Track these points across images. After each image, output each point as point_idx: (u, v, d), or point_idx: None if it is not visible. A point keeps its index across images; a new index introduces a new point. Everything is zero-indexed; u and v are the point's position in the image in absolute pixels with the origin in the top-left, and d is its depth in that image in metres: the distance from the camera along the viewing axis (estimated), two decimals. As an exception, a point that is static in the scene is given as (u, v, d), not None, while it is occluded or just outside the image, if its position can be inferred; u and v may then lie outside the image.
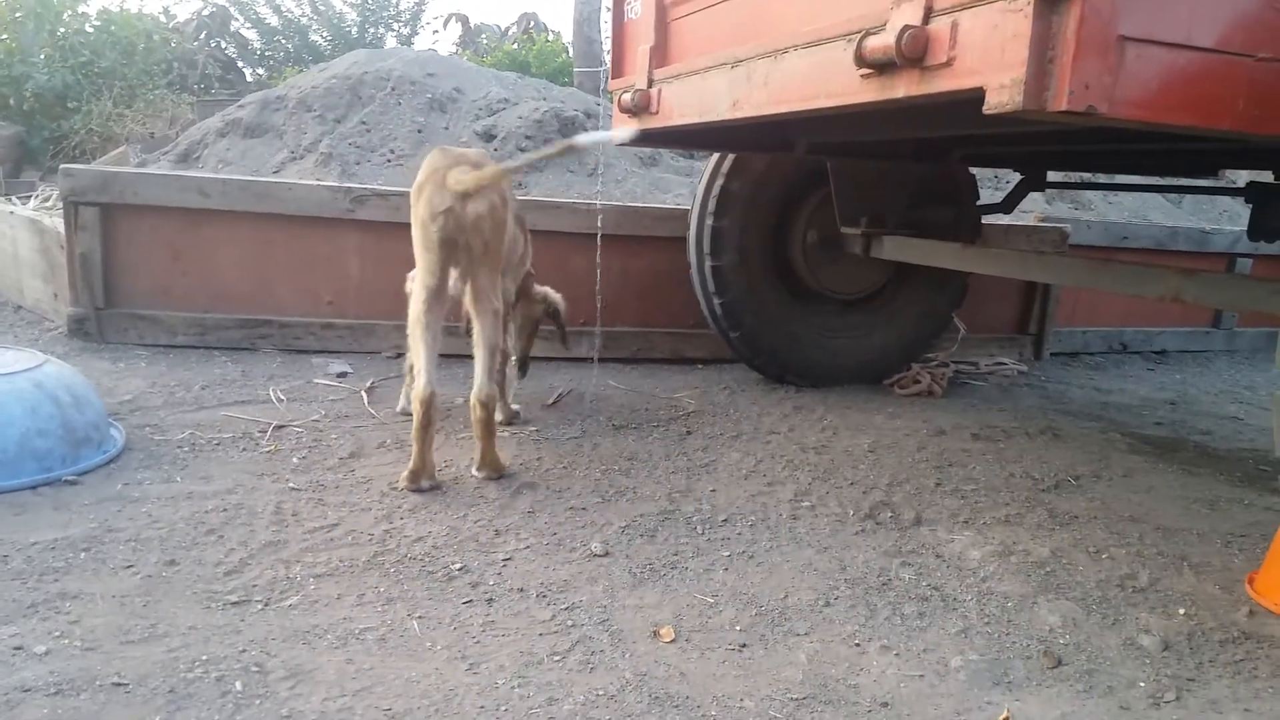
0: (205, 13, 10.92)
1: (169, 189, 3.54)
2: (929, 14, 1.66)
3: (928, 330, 4.02)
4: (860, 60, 1.76)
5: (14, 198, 5.64)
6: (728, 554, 2.15)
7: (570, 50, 10.06)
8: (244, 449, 2.68)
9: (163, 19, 10.06)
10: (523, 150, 5.31)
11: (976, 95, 1.56)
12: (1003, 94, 1.52)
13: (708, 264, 3.67)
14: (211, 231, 3.65)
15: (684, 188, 5.43)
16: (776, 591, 1.97)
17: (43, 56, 8.30)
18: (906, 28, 1.65)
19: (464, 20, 12.03)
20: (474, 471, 2.60)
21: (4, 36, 8.39)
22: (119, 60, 8.38)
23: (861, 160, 3.46)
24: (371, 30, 11.14)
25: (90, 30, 8.76)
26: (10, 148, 7.92)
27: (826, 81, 1.96)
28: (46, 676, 1.49)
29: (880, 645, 1.77)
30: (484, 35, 12.17)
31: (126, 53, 8.47)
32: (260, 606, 1.78)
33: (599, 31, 9.16)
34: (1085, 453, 3.08)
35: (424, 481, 2.47)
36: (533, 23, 11.61)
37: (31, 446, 2.25)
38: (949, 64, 1.63)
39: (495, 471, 2.59)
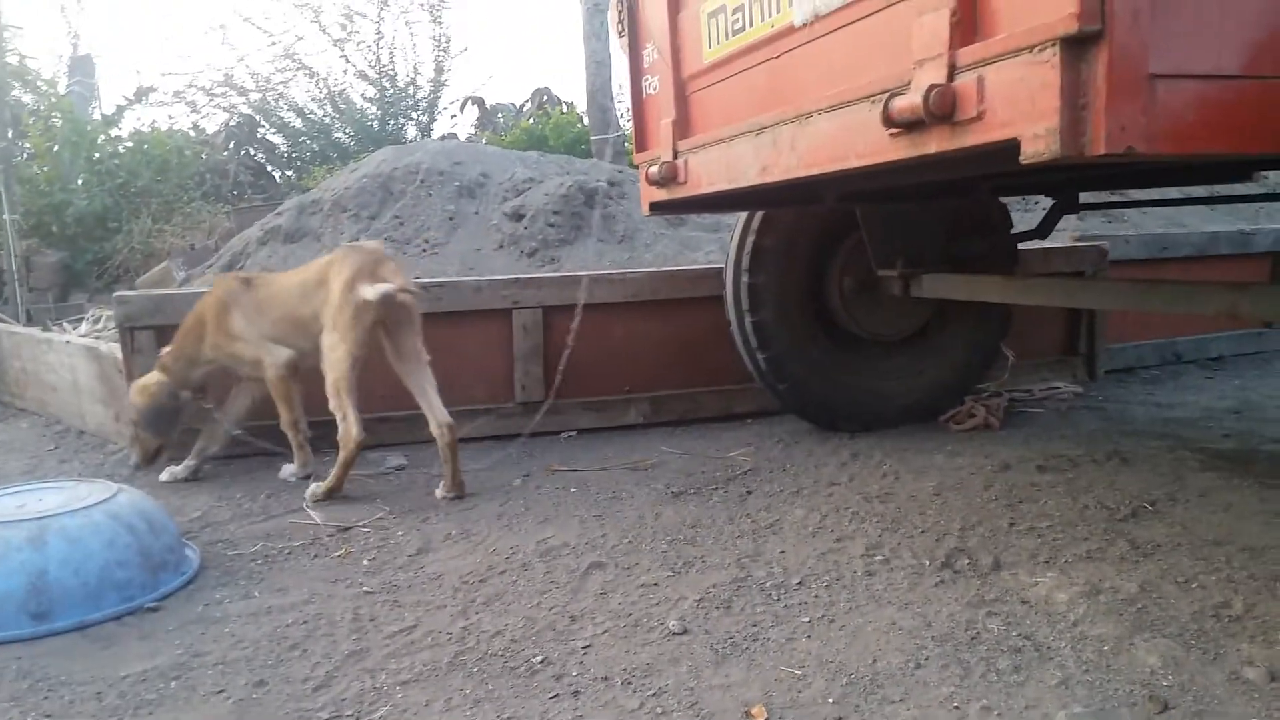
0: (232, 123, 11.33)
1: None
2: (953, 71, 1.68)
3: (977, 362, 3.98)
4: (888, 121, 1.79)
5: (64, 323, 5.84)
6: (807, 620, 2.13)
7: (585, 120, 10.26)
8: (315, 555, 2.72)
9: (192, 134, 10.49)
10: (551, 226, 5.41)
11: (1011, 146, 1.58)
12: (1038, 143, 1.53)
13: (748, 320, 3.69)
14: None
15: (713, 244, 5.47)
16: (864, 656, 1.94)
17: (80, 182, 8.63)
18: (933, 86, 1.68)
19: (480, 102, 12.33)
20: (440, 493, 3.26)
21: (45, 168, 8.75)
22: (154, 178, 8.69)
23: (891, 203, 3.48)
24: (391, 122, 11.48)
25: (124, 151, 9.12)
26: (56, 273, 8.21)
27: (855, 142, 1.99)
28: (154, 815, 1.50)
29: (981, 706, 1.72)
30: (500, 114, 12.46)
31: (161, 170, 8.79)
32: (351, 721, 1.79)
33: (611, 100, 9.34)
34: (1157, 475, 3.01)
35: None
36: (546, 97, 11.88)
37: (112, 578, 2.30)
38: (979, 118, 1.64)
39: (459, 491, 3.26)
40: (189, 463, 3.50)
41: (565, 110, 11.37)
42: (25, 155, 8.96)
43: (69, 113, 9.18)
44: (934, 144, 1.75)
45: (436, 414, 3.29)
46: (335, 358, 3.18)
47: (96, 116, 9.77)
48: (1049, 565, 2.35)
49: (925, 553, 2.46)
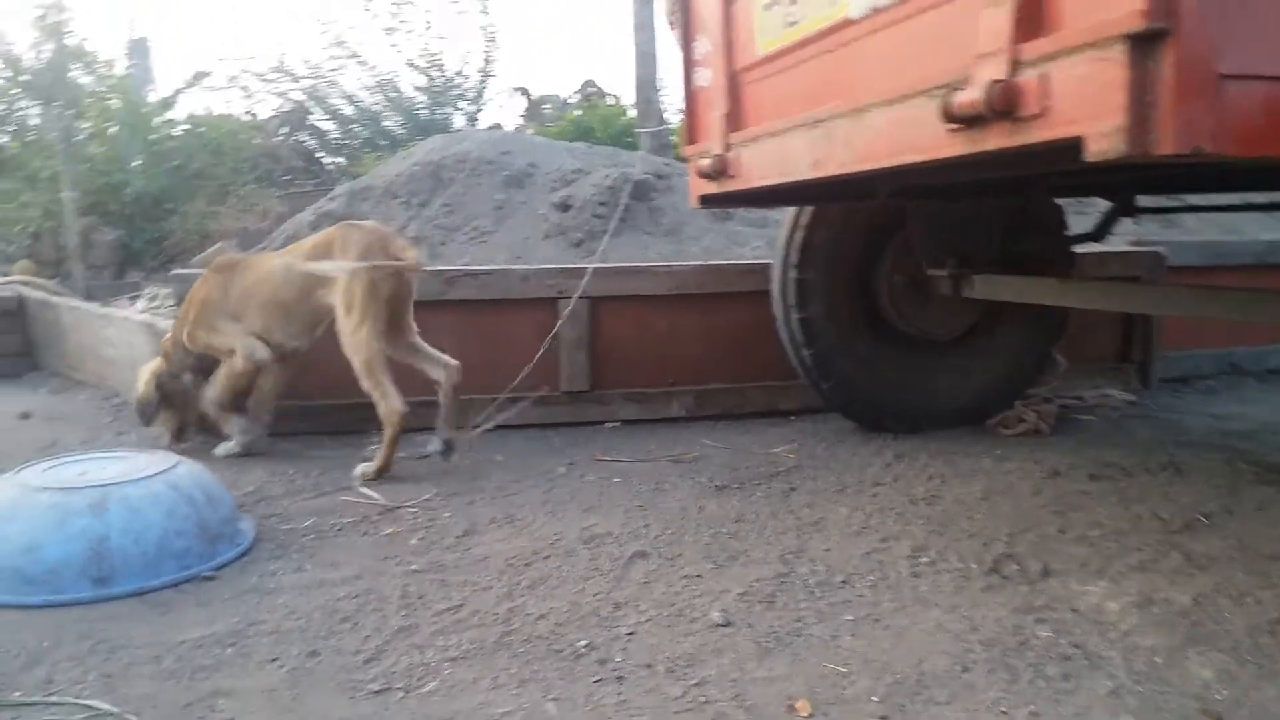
0: (285, 109, 11.54)
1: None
2: (1016, 67, 1.66)
3: (1029, 366, 3.93)
4: (947, 116, 1.77)
5: (123, 299, 6.00)
6: (852, 618, 2.12)
7: (631, 112, 10.28)
8: (364, 533, 2.77)
9: (246, 119, 10.69)
10: (597, 217, 5.42)
11: (1074, 143, 1.56)
12: (1103, 142, 1.51)
13: (794, 316, 3.68)
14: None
15: (760, 240, 5.46)
16: (909, 657, 1.93)
17: (138, 163, 8.83)
18: (994, 82, 1.66)
19: (526, 93, 12.44)
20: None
21: (103, 148, 8.97)
22: (209, 161, 8.88)
23: (944, 201, 3.44)
24: (439, 111, 11.60)
25: (180, 134, 9.33)
26: (114, 251, 8.43)
27: (912, 137, 1.98)
28: (211, 777, 1.55)
29: (1029, 712, 1.71)
30: (547, 105, 12.54)
31: (216, 153, 8.98)
32: (401, 694, 1.82)
33: (658, 92, 9.34)
34: (1212, 487, 2.95)
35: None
36: (592, 88, 11.93)
37: (170, 547, 2.37)
38: (1042, 115, 1.62)
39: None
40: (240, 438, 3.58)
41: (612, 102, 11.40)
42: (84, 135, 9.17)
43: (127, 94, 9.40)
44: (993, 140, 1.73)
45: (438, 359, 3.41)
46: (360, 339, 3.21)
47: (153, 99, 9.97)
48: (1100, 574, 2.31)
49: (972, 557, 2.44)
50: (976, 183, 3.38)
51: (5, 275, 7.22)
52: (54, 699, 1.82)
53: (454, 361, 3.42)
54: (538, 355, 3.95)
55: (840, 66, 2.29)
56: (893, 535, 2.62)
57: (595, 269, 4.13)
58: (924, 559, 2.44)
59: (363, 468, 3.28)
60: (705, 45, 3.01)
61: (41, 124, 9.99)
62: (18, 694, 1.84)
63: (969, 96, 1.67)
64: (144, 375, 3.59)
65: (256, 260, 3.66)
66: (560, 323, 3.99)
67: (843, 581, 2.32)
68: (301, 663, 1.95)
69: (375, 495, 3.09)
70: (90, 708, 1.78)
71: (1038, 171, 2.91)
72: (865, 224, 3.67)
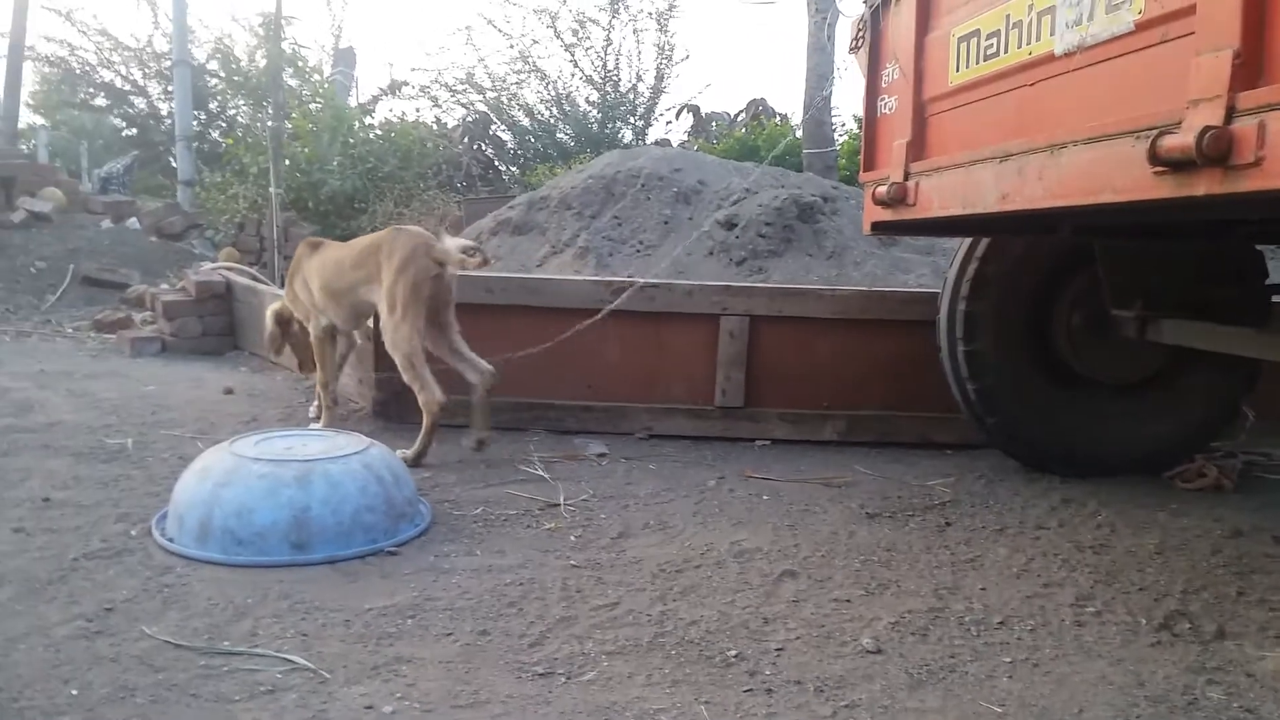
0: (469, 119, 12.20)
1: (462, 287, 3.99)
2: (1231, 114, 1.62)
3: (1213, 418, 3.69)
4: (1154, 159, 1.74)
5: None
6: (1009, 660, 2.09)
7: (799, 132, 10.27)
8: (527, 525, 2.93)
9: (434, 127, 11.38)
10: (761, 236, 5.48)
11: (1292, 193, 1.51)
12: (1324, 194, 1.45)
13: (960, 348, 3.61)
14: (491, 323, 4.05)
15: (925, 267, 5.38)
16: (1069, 705, 1.88)
17: (335, 164, 9.56)
18: (1207, 128, 1.62)
19: (695, 110, 12.63)
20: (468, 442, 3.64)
21: (305, 148, 9.76)
22: (398, 166, 9.53)
23: (1133, 240, 3.30)
24: (610, 125, 11.96)
25: (374, 139, 10.03)
26: (308, 245, 9.19)
27: (1112, 177, 1.94)
28: (396, 733, 1.70)
29: (1198, 774, 1.65)
30: (714, 122, 12.70)
31: (405, 159, 9.62)
32: (564, 680, 1.94)
33: (829, 114, 9.30)
34: None
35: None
36: (761, 107, 11.99)
37: (361, 521, 2.60)
38: (1257, 164, 1.58)
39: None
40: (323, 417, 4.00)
41: (780, 122, 11.42)
42: (287, 135, 10.01)
43: (331, 99, 10.21)
44: (1203, 186, 1.69)
45: (476, 364, 3.59)
46: (400, 336, 3.44)
47: (353, 105, 10.78)
48: (1279, 641, 2.18)
49: (1142, 611, 2.34)
50: (1168, 224, 3.23)
51: (213, 261, 8.00)
52: (258, 651, 2.04)
53: (489, 366, 3.61)
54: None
55: (1037, 101, 2.27)
56: (1056, 581, 2.54)
57: (758, 289, 4.19)
58: (1089, 608, 2.36)
59: (401, 454, 3.45)
60: (893, 73, 3.02)
61: (252, 123, 10.98)
62: (226, 643, 2.07)
63: (1179, 141, 1.64)
64: (269, 314, 4.25)
65: (330, 247, 4.04)
66: (575, 329, 4.04)
67: (1000, 622, 2.28)
68: (473, 640, 2.11)
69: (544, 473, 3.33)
70: (290, 661, 1.99)
71: (1239, 218, 2.77)
72: (1045, 259, 3.56)
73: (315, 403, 4.16)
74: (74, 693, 1.82)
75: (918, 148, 2.90)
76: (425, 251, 3.48)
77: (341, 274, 3.74)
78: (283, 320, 4.23)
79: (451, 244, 3.57)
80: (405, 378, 3.52)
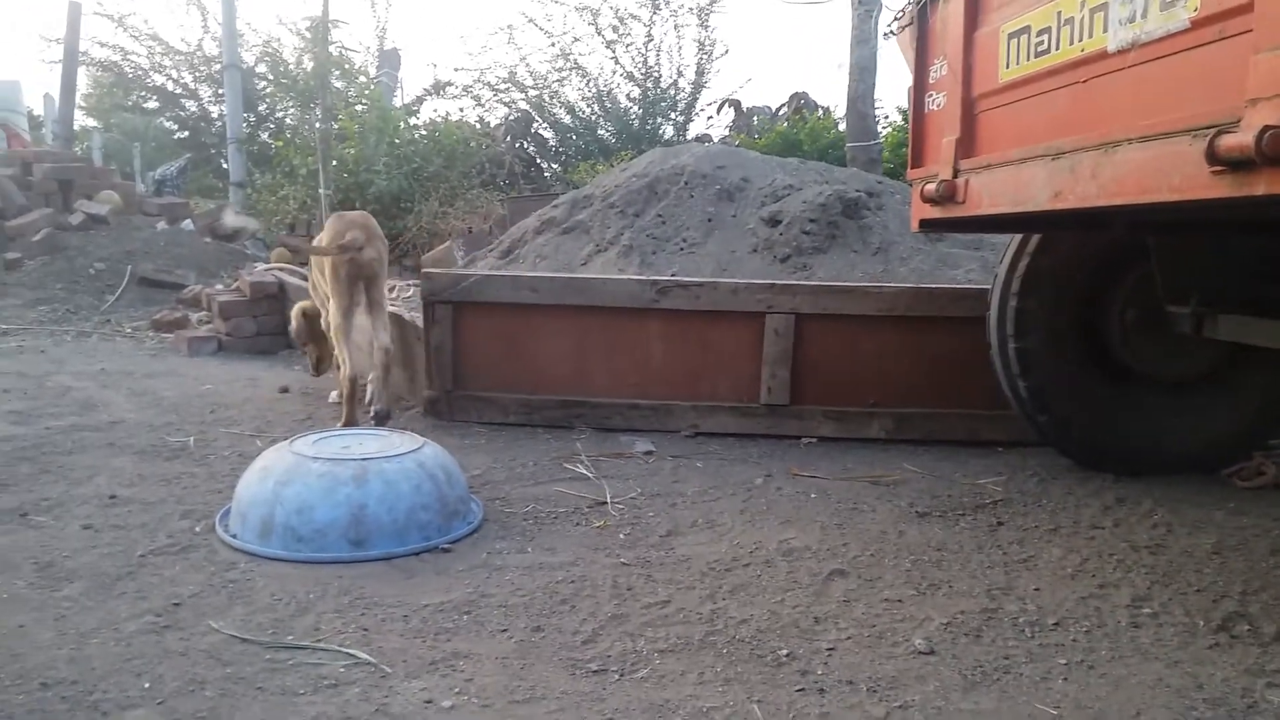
0: (511, 118, 12.30)
1: (508, 288, 4.05)
2: (1294, 111, 1.59)
3: (1271, 415, 3.61)
4: (1212, 157, 1.72)
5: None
6: (1064, 662, 2.08)
7: (841, 126, 10.19)
8: (577, 523, 2.97)
9: (477, 126, 11.49)
10: (806, 233, 5.45)
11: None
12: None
13: (1011, 345, 3.57)
14: (538, 322, 4.11)
15: (974, 263, 5.30)
16: (1126, 708, 1.87)
17: (382, 165, 9.70)
18: (1267, 128, 1.60)
19: (736, 105, 12.58)
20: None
21: (352, 150, 9.91)
22: (443, 165, 9.64)
23: (1190, 236, 3.24)
24: (650, 121, 11.98)
25: (419, 139, 10.16)
26: (356, 245, 9.33)
27: (1168, 175, 1.92)
28: (456, 728, 1.75)
29: (1259, 780, 1.63)
30: (755, 117, 12.65)
31: (449, 158, 9.73)
32: (617, 677, 1.97)
33: (872, 107, 9.21)
34: None
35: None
36: (803, 101, 11.90)
37: (416, 519, 2.66)
38: (1321, 161, 1.55)
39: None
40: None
41: (822, 116, 11.33)
42: (335, 137, 10.16)
43: (377, 101, 10.34)
44: (1263, 186, 1.67)
45: (379, 339, 3.99)
46: (330, 309, 3.93)
47: (398, 105, 10.91)
48: (1347, 646, 2.13)
49: (1200, 612, 2.31)
50: (1224, 220, 3.17)
51: (265, 262, 8.17)
52: (321, 645, 2.10)
53: (386, 344, 4.02)
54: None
55: (1090, 98, 2.24)
56: (1111, 582, 2.51)
57: (803, 286, 4.18)
58: (1145, 610, 2.34)
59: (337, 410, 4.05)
60: (941, 69, 3.00)
61: (299, 125, 11.17)
62: (290, 638, 2.14)
63: (1238, 140, 1.62)
64: (295, 312, 4.61)
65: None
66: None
67: (1055, 624, 2.27)
68: (528, 636, 2.15)
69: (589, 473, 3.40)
70: (352, 656, 2.05)
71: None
72: (1098, 255, 3.51)
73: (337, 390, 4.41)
74: (146, 686, 1.90)
75: (967, 145, 2.88)
76: (341, 234, 3.87)
77: (319, 262, 4.10)
78: (309, 314, 4.56)
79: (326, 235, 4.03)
80: (335, 348, 4.00)
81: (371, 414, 3.98)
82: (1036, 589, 2.48)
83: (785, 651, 2.12)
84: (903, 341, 4.13)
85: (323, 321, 4.37)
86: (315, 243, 4.29)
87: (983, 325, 3.73)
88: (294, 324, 4.62)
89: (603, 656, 2.06)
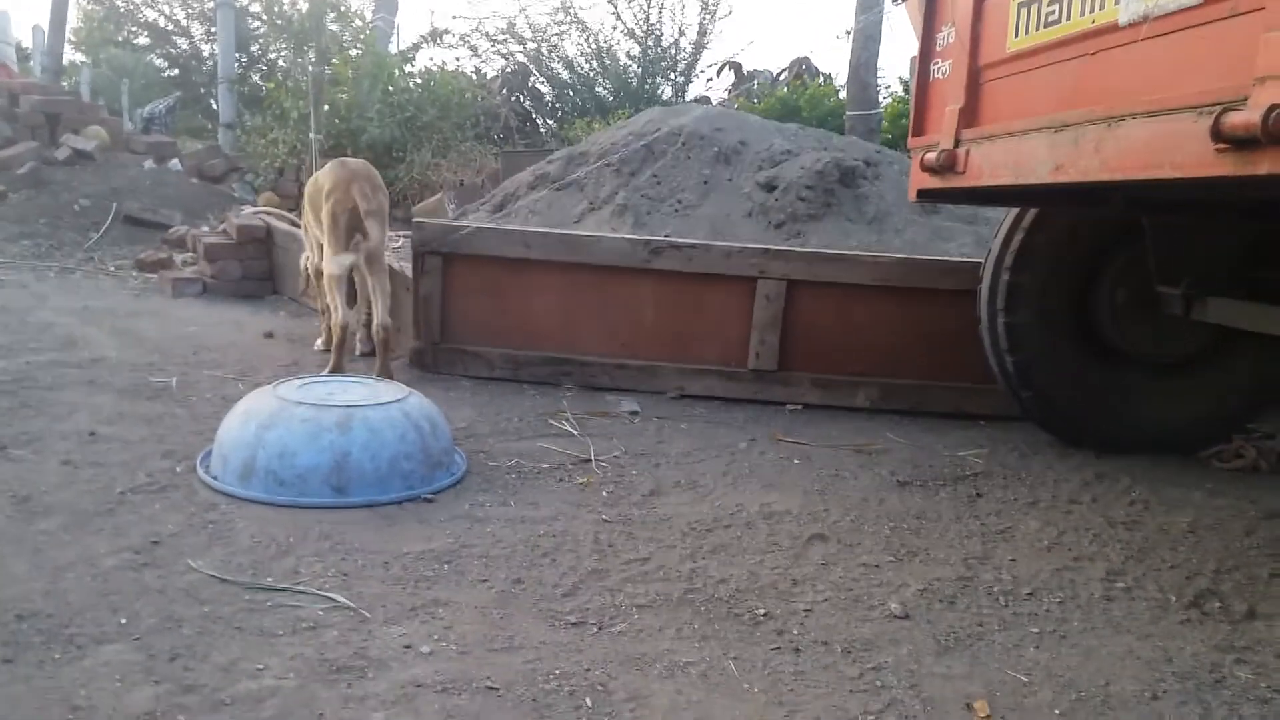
0: (508, 70, 12.11)
1: (500, 241, 4.01)
2: (1301, 89, 1.58)
3: (1253, 399, 3.64)
4: (1216, 135, 1.71)
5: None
6: (1037, 630, 2.10)
7: (843, 94, 10.10)
8: (559, 479, 2.97)
9: (474, 77, 11.30)
10: (801, 200, 5.42)
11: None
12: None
13: (1001, 320, 3.57)
14: (528, 277, 4.08)
15: (968, 236, 5.30)
16: (1096, 677, 1.90)
17: (375, 112, 9.54)
18: (1274, 107, 1.59)
19: (737, 68, 12.44)
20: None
21: (345, 95, 9.73)
22: (437, 115, 9.48)
23: (1184, 217, 3.24)
24: (650, 81, 11.83)
25: (414, 87, 9.98)
26: (346, 192, 9.22)
27: (1172, 152, 1.91)
28: (433, 675, 1.76)
29: (1222, 751, 1.66)
30: (756, 81, 12.51)
31: (444, 109, 9.56)
32: (595, 630, 1.99)
33: (875, 75, 9.12)
34: None
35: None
36: (804, 66, 11.77)
37: (399, 468, 2.65)
38: (1326, 142, 1.54)
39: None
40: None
41: (823, 83, 11.22)
42: (328, 81, 9.97)
43: (372, 46, 10.13)
44: (1266, 165, 1.66)
45: (378, 315, 3.88)
46: (325, 254, 3.91)
47: (393, 52, 10.70)
48: (1314, 626, 2.17)
49: (1172, 588, 2.35)
50: (1223, 201, 3.17)
51: (253, 205, 8.06)
52: (300, 588, 2.10)
53: (387, 321, 3.89)
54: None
55: (1097, 71, 2.22)
56: (1086, 555, 2.54)
57: (796, 253, 4.16)
58: (1119, 584, 2.37)
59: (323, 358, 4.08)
60: (948, 37, 2.96)
61: (292, 67, 10.96)
62: (270, 580, 2.13)
63: (1244, 118, 1.61)
64: (301, 263, 4.73)
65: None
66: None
67: (1029, 594, 2.29)
68: (508, 587, 2.16)
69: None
70: (331, 599, 2.05)
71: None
72: (1093, 232, 3.50)
73: (322, 338, 4.52)
74: (122, 621, 1.89)
75: (970, 114, 2.85)
76: (345, 187, 3.79)
77: (314, 204, 4.07)
78: (311, 268, 4.61)
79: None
80: (325, 297, 4.08)
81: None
82: (1012, 560, 2.51)
83: (763, 611, 2.14)
84: (893, 312, 4.12)
85: (310, 263, 4.39)
86: (312, 185, 4.23)
87: (973, 299, 3.73)
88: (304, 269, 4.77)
89: (581, 609, 2.07)
